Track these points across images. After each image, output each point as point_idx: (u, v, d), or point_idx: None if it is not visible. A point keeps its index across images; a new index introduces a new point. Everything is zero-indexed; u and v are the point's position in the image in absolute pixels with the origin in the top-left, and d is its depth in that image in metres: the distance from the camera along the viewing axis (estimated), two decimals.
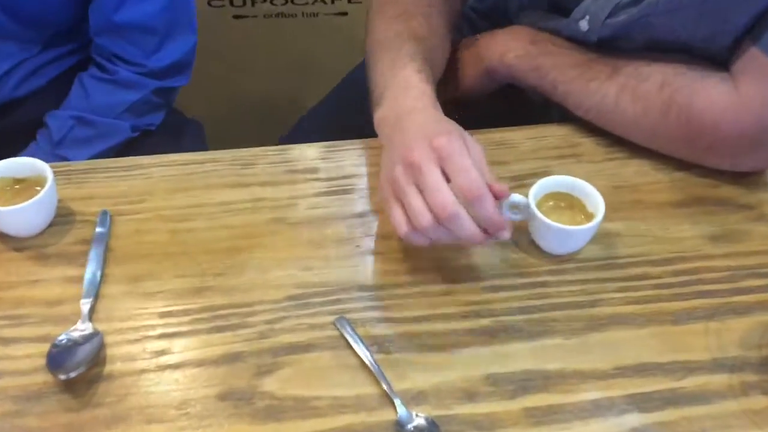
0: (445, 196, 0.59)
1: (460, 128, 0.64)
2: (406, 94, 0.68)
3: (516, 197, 0.71)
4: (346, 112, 0.97)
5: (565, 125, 0.88)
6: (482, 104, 0.97)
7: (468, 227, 0.60)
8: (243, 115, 1.64)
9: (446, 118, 0.67)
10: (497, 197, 0.62)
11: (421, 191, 0.60)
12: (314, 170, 0.81)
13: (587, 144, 0.86)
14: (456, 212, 0.59)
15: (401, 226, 0.61)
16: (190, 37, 1.03)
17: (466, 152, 0.61)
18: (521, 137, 0.87)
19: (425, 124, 0.65)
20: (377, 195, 0.69)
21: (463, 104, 0.98)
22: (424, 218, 0.60)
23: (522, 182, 0.81)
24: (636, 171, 0.83)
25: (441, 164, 0.60)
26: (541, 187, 0.73)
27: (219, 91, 1.62)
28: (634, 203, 0.79)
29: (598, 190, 0.74)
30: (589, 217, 0.72)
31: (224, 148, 0.84)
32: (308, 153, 0.83)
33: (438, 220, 0.59)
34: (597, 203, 0.71)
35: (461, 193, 0.59)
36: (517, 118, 0.92)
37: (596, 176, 0.81)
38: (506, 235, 0.62)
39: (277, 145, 0.85)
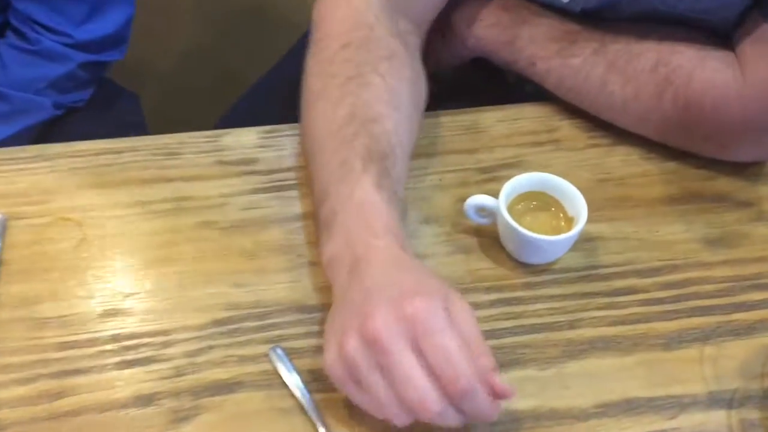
0: (420, 393, 0.43)
1: (442, 283, 0.49)
2: (363, 224, 0.51)
3: (482, 199, 0.61)
4: (290, 90, 0.84)
5: (542, 105, 0.77)
6: (451, 78, 0.86)
7: (457, 419, 0.46)
8: (188, 85, 1.51)
9: (421, 265, 0.52)
10: (494, 393, 0.46)
11: (387, 378, 0.44)
12: (251, 161, 0.70)
13: (567, 128, 0.75)
14: (437, 411, 0.44)
15: (378, 411, 0.46)
16: (127, 8, 0.90)
17: (449, 325, 0.45)
18: (491, 120, 0.76)
19: (393, 276, 0.48)
20: (324, 364, 0.49)
21: (433, 77, 0.86)
22: (395, 414, 0.45)
23: (492, 175, 0.70)
24: (622, 161, 0.72)
25: (415, 342, 0.44)
26: (513, 186, 0.62)
27: (158, 55, 1.48)
28: (619, 200, 0.69)
29: (580, 184, 0.64)
30: (569, 222, 0.62)
31: (166, 125, 0.72)
32: (244, 139, 0.72)
33: (415, 416, 0.45)
34: (578, 207, 0.61)
35: (441, 385, 0.44)
36: (489, 94, 0.81)
37: (577, 167, 0.71)
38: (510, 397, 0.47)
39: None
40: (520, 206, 0.63)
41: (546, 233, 0.61)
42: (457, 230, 0.65)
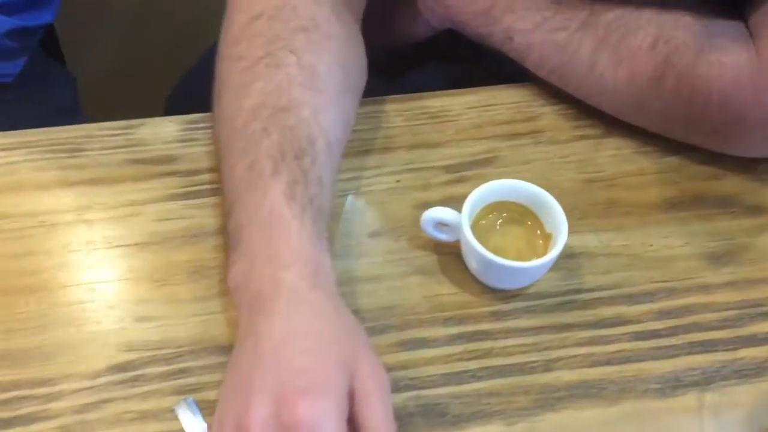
0: None
1: (351, 344, 0.42)
2: (269, 248, 0.43)
3: (442, 213, 0.50)
4: None
5: (521, 88, 0.66)
6: (414, 55, 0.74)
7: None
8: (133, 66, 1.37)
9: (331, 310, 0.44)
10: None
11: None
12: (169, 159, 0.58)
13: (549, 116, 0.64)
14: None
15: None
16: None
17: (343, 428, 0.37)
18: (461, 106, 0.64)
19: (291, 331, 0.41)
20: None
21: (392, 50, 0.75)
22: None
23: (459, 174, 0.59)
24: (613, 156, 0.61)
25: None
26: (480, 196, 0.51)
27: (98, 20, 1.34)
28: (608, 205, 0.58)
29: (563, 185, 0.54)
30: (547, 239, 0.52)
31: (106, 108, 0.61)
32: (162, 132, 0.60)
33: None
34: (557, 222, 0.50)
35: None
36: (460, 73, 0.70)
37: (560, 165, 0.60)
38: None
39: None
40: (488, 219, 0.53)
41: (518, 253, 0.51)
42: (414, 245, 0.55)
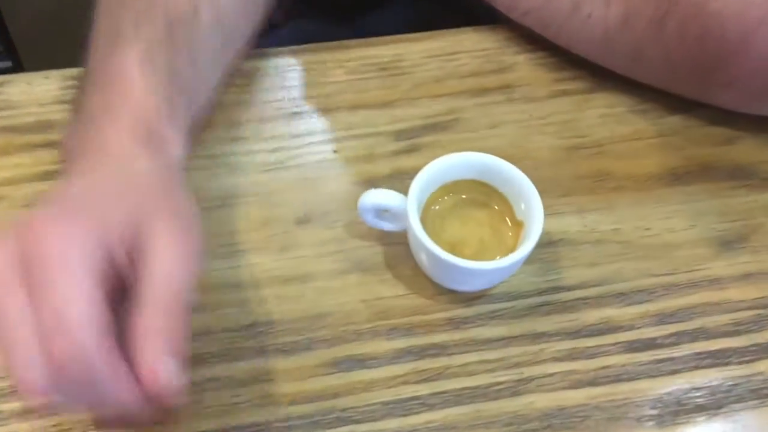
0: (22, 354, 0.29)
1: (157, 200, 0.34)
2: (104, 103, 0.37)
3: (383, 198, 0.39)
4: None
5: (491, 32, 0.54)
6: None
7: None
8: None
9: (158, 176, 0.36)
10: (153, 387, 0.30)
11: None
12: (43, 126, 0.47)
13: (524, 66, 0.52)
14: (40, 385, 0.29)
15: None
16: None
17: (86, 267, 0.30)
18: (417, 55, 0.53)
19: (97, 180, 0.34)
20: None
21: None
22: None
23: (412, 142, 0.48)
24: (602, 117, 0.50)
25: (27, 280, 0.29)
26: (433, 173, 0.40)
27: None
28: (596, 177, 0.47)
29: (540, 155, 0.44)
30: (518, 228, 0.41)
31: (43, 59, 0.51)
32: (37, 91, 0.48)
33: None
34: (531, 206, 0.40)
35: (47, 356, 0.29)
36: (422, 15, 0.58)
37: (537, 129, 0.49)
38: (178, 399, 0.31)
39: None
40: (443, 202, 0.42)
41: (481, 246, 0.40)
42: (352, 234, 0.44)
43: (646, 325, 0.42)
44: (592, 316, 0.42)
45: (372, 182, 0.46)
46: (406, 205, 0.39)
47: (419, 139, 0.49)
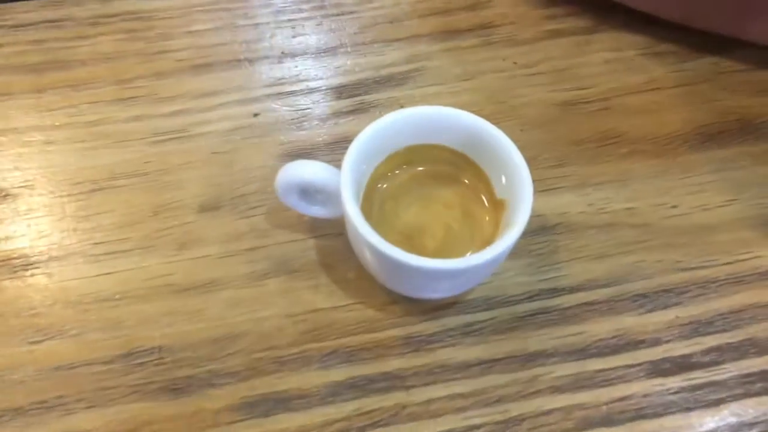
0: None
1: None
2: None
3: (309, 171, 0.28)
4: None
5: None
6: None
7: None
8: None
9: None
10: None
11: None
12: None
13: (504, 0, 0.41)
14: None
15: None
16: None
17: None
18: None
19: None
20: None
21: None
22: None
23: (359, 101, 0.37)
24: (607, 62, 0.39)
25: None
26: (380, 138, 0.29)
27: None
28: (601, 141, 0.36)
29: (529, 113, 0.33)
30: (497, 210, 0.30)
31: None
32: None
33: None
34: (516, 178, 0.29)
35: None
36: None
37: (523, 80, 0.38)
38: None
39: None
40: (395, 178, 0.31)
41: (447, 236, 0.29)
42: (276, 225, 0.33)
43: (676, 337, 0.31)
44: (603, 327, 0.31)
45: (305, 154, 0.35)
46: (340, 184, 0.28)
47: (369, 97, 0.37)
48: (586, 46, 0.40)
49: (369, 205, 0.30)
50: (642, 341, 0.31)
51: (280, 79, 0.38)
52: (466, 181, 0.31)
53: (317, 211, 0.31)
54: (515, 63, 0.39)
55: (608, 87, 0.39)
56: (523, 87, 0.38)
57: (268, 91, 0.37)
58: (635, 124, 0.37)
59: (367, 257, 0.29)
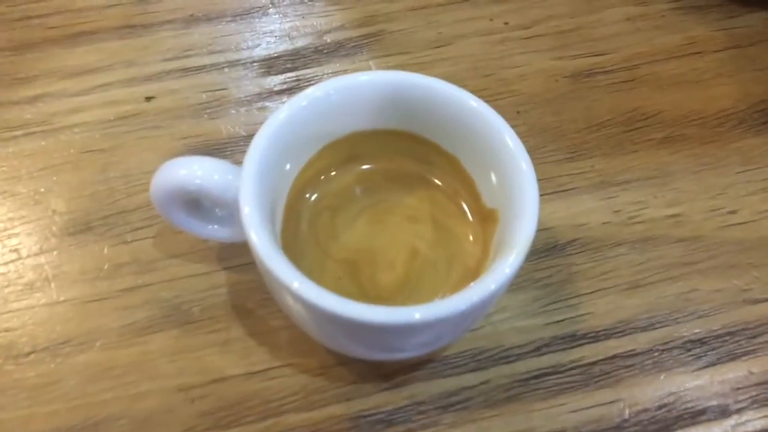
0: None
1: None
2: None
3: (201, 170, 0.18)
4: None
5: None
6: None
7: None
8: None
9: None
10: None
11: None
12: None
13: None
14: None
15: None
16: None
17: None
18: None
19: None
20: None
21: None
22: None
23: (295, 76, 0.27)
24: (630, 19, 0.30)
25: None
26: (308, 121, 0.20)
27: None
28: (628, 124, 0.27)
29: (528, 86, 0.25)
30: (487, 222, 0.20)
31: None
32: None
33: None
34: (512, 177, 0.19)
35: None
36: None
37: (519, 43, 0.29)
38: None
39: None
40: (332, 181, 0.21)
41: (411, 265, 0.20)
42: (168, 252, 0.23)
43: (752, 403, 0.22)
44: (645, 392, 0.22)
45: (216, 152, 0.26)
46: (238, 192, 0.18)
47: (308, 72, 0.28)
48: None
49: (293, 223, 0.21)
50: (702, 411, 0.22)
51: (185, 50, 0.28)
52: (440, 183, 0.22)
53: (216, 232, 0.21)
54: (506, 23, 0.30)
55: (633, 52, 0.29)
56: (519, 54, 0.29)
57: (168, 66, 0.28)
58: (672, 100, 0.28)
59: (290, 306, 0.19)
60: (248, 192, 0.18)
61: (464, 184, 0.21)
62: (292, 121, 0.19)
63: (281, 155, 0.20)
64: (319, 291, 0.17)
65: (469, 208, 0.21)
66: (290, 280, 0.17)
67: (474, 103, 0.20)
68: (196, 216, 0.21)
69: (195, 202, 0.20)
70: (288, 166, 0.21)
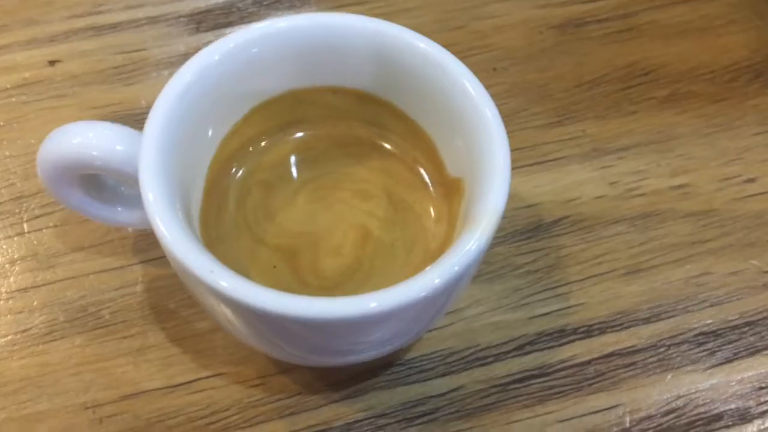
0: None
1: None
2: None
3: (94, 138, 0.16)
4: None
5: None
6: None
7: None
8: None
9: None
10: None
11: None
12: None
13: None
14: None
15: None
16: None
17: None
18: None
19: None
20: None
21: None
22: None
23: (219, 33, 0.26)
24: None
25: None
26: (228, 74, 0.18)
27: None
28: (627, 80, 0.26)
29: (505, 40, 0.25)
30: (452, 194, 0.19)
31: None
32: None
33: None
34: (482, 142, 0.17)
35: None
36: None
37: None
38: None
39: None
40: (265, 150, 0.19)
41: (362, 249, 0.18)
42: (73, 244, 0.21)
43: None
44: (649, 395, 0.21)
45: (135, 123, 0.24)
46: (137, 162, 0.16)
47: (244, 27, 0.26)
48: None
49: (216, 204, 0.19)
50: (718, 416, 0.20)
51: (98, 4, 0.26)
52: (394, 150, 0.20)
53: (123, 215, 0.20)
54: None
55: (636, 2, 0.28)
56: (495, 2, 0.27)
57: (77, 24, 0.26)
58: (676, 51, 0.27)
59: (212, 306, 0.17)
60: (152, 168, 0.16)
61: (424, 150, 0.20)
62: (202, 81, 0.18)
63: (196, 121, 0.18)
64: (245, 283, 0.15)
65: (430, 179, 0.20)
66: (204, 270, 0.15)
67: (435, 51, 0.18)
68: (96, 197, 0.19)
69: (94, 179, 0.19)
70: (209, 132, 0.19)
